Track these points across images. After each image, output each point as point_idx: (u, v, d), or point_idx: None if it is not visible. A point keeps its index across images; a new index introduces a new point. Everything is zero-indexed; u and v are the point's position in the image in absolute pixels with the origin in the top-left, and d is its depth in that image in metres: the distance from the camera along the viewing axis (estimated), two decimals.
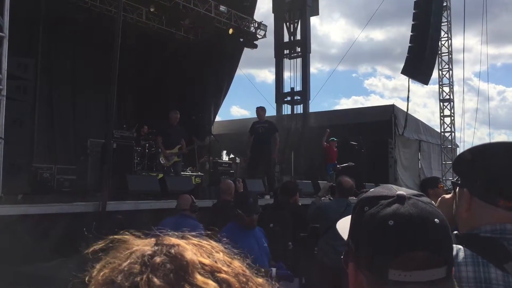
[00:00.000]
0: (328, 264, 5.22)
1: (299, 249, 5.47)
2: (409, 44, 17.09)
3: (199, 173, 13.70)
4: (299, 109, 17.79)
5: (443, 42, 20.15)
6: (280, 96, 18.07)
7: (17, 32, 10.05)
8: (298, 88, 17.74)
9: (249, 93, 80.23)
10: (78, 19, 14.12)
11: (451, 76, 20.55)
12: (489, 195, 1.22)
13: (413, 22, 17.07)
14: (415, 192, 0.93)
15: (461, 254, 1.18)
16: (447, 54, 20.43)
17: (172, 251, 0.70)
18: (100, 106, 14.53)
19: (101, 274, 0.70)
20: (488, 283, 1.13)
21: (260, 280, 0.74)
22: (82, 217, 6.59)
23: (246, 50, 18.72)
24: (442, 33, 19.84)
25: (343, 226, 1.00)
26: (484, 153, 1.28)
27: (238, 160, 17.77)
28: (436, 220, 0.87)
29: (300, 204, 6.21)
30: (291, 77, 18.04)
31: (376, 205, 0.90)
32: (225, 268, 0.71)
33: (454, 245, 1.17)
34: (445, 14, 19.79)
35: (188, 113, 13.20)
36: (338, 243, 4.70)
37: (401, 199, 0.89)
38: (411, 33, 17.09)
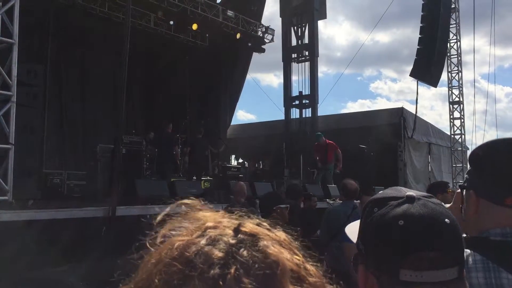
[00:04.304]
0: (337, 268, 5.19)
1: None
2: (418, 47, 17.01)
3: (208, 178, 13.71)
4: (307, 112, 17.72)
5: (451, 44, 20.04)
6: (288, 100, 18.02)
7: (26, 39, 10.16)
8: (306, 92, 17.68)
9: (255, 97, 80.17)
10: (86, 25, 14.24)
11: (460, 78, 20.43)
12: (495, 193, 1.21)
13: (421, 24, 16.99)
14: (425, 193, 0.92)
15: (471, 259, 1.16)
16: (456, 56, 20.31)
17: (260, 245, 0.60)
18: (109, 112, 14.60)
19: (175, 245, 0.60)
20: None
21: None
22: (92, 222, 6.63)
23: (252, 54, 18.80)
24: (451, 35, 19.73)
25: (352, 229, 1.00)
26: (492, 149, 1.28)
27: (246, 164, 17.76)
28: (446, 220, 0.86)
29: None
30: (299, 81, 18.00)
31: (385, 206, 0.89)
32: (309, 278, 0.61)
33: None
34: (453, 16, 19.68)
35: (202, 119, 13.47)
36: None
37: (410, 199, 0.89)
38: (419, 35, 17.01)
